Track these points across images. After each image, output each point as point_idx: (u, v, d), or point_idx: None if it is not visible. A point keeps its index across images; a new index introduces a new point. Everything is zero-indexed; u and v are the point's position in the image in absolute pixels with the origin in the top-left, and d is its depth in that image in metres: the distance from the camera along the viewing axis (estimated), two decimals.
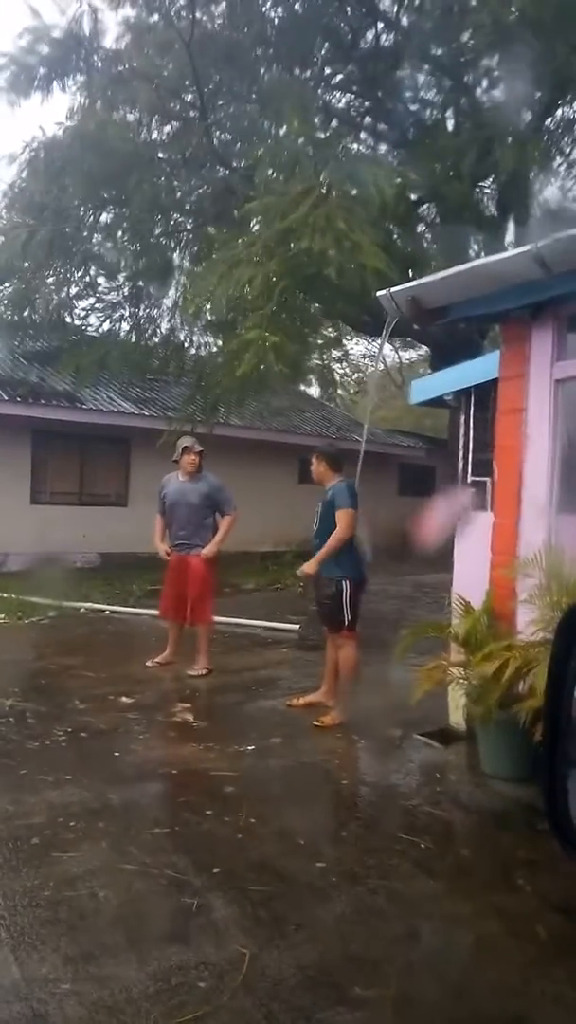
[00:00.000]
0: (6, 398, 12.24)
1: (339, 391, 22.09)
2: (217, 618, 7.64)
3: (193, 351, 14.93)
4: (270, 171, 10.08)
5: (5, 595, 10.04)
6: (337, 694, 5.43)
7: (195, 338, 14.91)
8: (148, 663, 6.70)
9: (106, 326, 14.70)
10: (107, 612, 9.59)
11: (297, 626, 8.16)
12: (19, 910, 2.87)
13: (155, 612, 8.05)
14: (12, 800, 3.86)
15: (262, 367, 8.88)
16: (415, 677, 4.61)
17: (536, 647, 3.96)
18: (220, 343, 12.54)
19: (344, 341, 20.85)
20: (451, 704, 4.98)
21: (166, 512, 6.65)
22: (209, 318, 11.78)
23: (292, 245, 8.67)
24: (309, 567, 5.30)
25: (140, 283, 14.11)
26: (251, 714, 5.53)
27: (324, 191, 8.93)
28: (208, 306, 10.11)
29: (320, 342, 13.03)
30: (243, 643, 7.98)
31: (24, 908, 2.89)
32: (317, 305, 11.00)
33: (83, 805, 3.82)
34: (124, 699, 5.71)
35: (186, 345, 14.98)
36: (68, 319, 14.48)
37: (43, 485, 13.39)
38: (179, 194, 13.22)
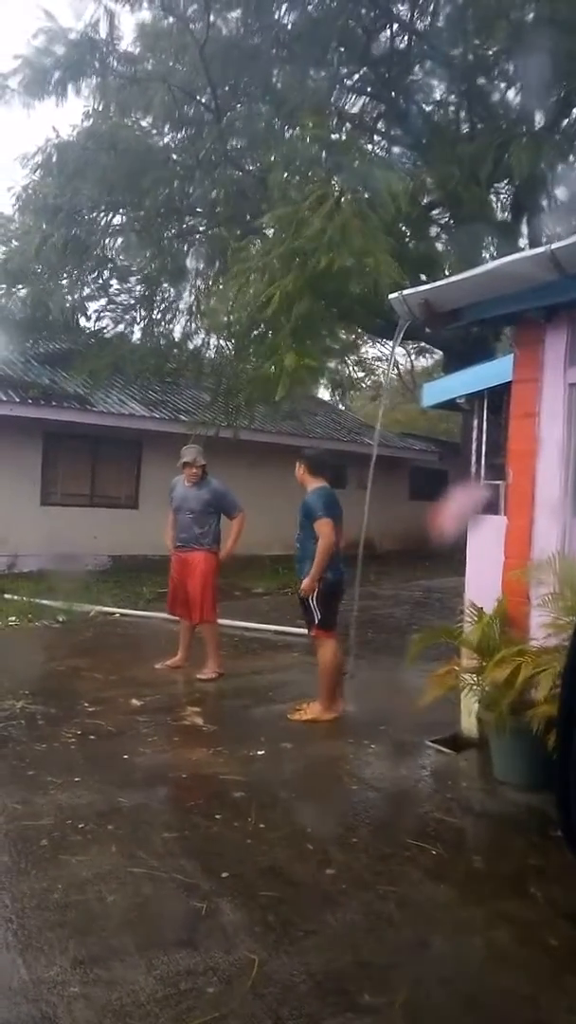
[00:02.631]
0: (18, 400, 12.29)
1: (350, 393, 22.07)
2: (227, 621, 7.64)
3: (210, 354, 14.93)
4: (284, 175, 10.07)
5: (15, 597, 10.06)
6: (327, 695, 5.42)
7: (212, 341, 14.89)
8: (157, 666, 6.70)
9: (120, 329, 14.73)
10: (117, 615, 9.59)
11: (307, 630, 8.13)
12: (28, 913, 2.87)
13: (165, 615, 8.06)
14: (21, 801, 3.85)
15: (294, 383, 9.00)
16: (427, 682, 4.59)
17: (549, 652, 3.93)
18: (238, 349, 12.54)
19: (359, 343, 20.82)
20: (463, 710, 4.95)
21: (172, 515, 6.77)
22: (231, 328, 11.79)
23: (309, 262, 8.62)
24: (306, 585, 5.33)
25: (154, 286, 14.14)
26: (261, 718, 5.52)
27: (338, 197, 8.90)
28: (232, 317, 10.16)
29: (336, 346, 13.07)
30: (253, 647, 7.96)
31: (33, 911, 2.88)
32: (333, 310, 10.99)
33: (92, 808, 3.82)
34: (134, 702, 5.70)
35: (203, 349, 14.98)
36: (82, 321, 14.54)
37: (54, 487, 13.42)
38: (192, 197, 13.24)
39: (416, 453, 18.93)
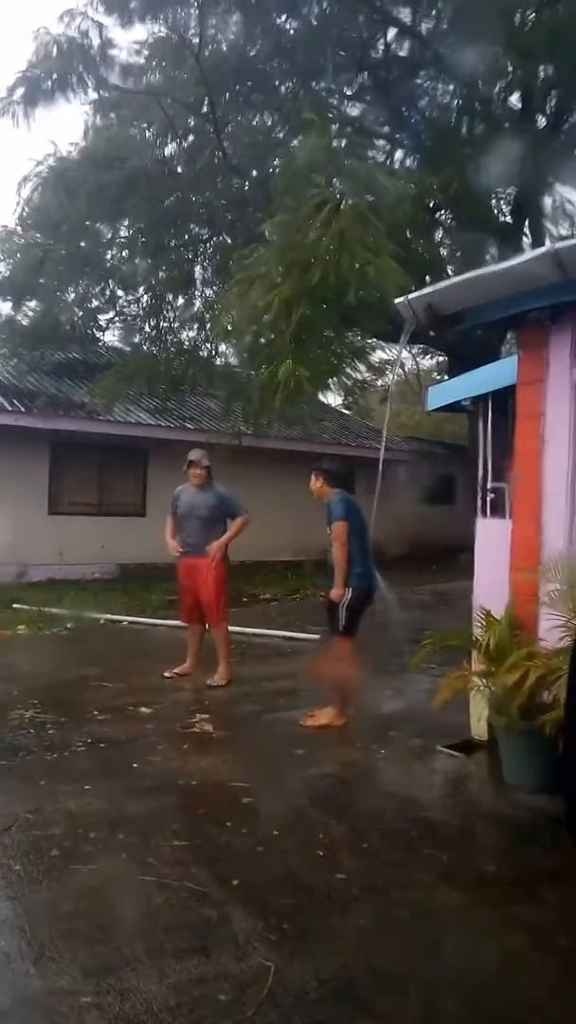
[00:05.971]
0: (23, 410, 12.33)
1: (359, 400, 22.03)
2: (236, 628, 7.62)
3: (222, 362, 14.91)
4: (287, 181, 10.08)
5: (25, 606, 10.08)
6: (339, 700, 5.40)
7: (223, 348, 14.88)
8: (166, 674, 6.69)
9: (129, 339, 14.74)
10: (125, 623, 9.59)
11: (317, 636, 8.13)
12: (39, 922, 2.86)
13: (173, 623, 8.08)
14: (32, 810, 3.85)
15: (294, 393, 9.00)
16: (437, 687, 4.57)
17: (558, 655, 3.92)
18: (245, 355, 12.55)
19: (367, 350, 20.75)
20: (473, 714, 4.93)
21: (178, 522, 6.73)
22: (234, 336, 11.80)
23: (307, 273, 8.61)
24: (334, 593, 5.28)
25: (161, 295, 14.15)
26: (270, 724, 5.50)
27: (337, 203, 8.89)
28: (232, 327, 10.16)
29: (342, 352, 13.04)
30: (262, 653, 7.95)
31: (44, 920, 2.88)
32: (333, 317, 10.98)
33: (102, 816, 3.81)
34: (143, 710, 5.70)
35: (215, 356, 14.96)
36: (90, 334, 14.54)
37: (61, 496, 13.44)
38: (194, 207, 13.26)
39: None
